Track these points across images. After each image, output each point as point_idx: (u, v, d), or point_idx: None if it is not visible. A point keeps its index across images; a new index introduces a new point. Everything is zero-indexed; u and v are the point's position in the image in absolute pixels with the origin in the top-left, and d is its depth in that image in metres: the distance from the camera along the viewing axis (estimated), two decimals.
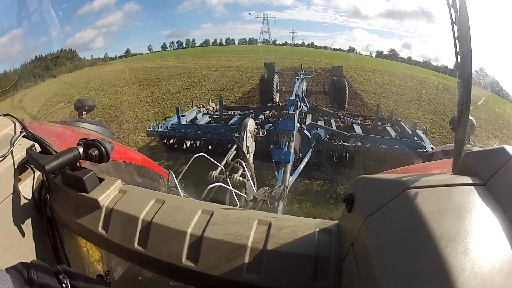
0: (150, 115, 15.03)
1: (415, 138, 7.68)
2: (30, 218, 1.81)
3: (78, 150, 1.67)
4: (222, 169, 3.24)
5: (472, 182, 1.02)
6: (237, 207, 2.37)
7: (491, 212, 0.91)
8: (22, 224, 1.77)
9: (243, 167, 3.06)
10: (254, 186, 3.04)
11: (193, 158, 2.87)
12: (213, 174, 3.29)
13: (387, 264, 0.90)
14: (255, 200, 3.20)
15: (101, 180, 1.77)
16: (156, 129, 8.71)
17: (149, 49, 34.31)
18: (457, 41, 1.18)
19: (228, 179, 2.98)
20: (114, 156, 1.95)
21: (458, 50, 1.19)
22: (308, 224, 1.43)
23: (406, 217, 0.95)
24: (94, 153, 1.69)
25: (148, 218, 1.53)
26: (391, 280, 0.86)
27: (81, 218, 1.68)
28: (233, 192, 2.62)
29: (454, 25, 1.18)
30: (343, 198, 1.27)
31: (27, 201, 1.80)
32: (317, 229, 1.39)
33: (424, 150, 7.31)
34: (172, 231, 1.46)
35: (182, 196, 2.29)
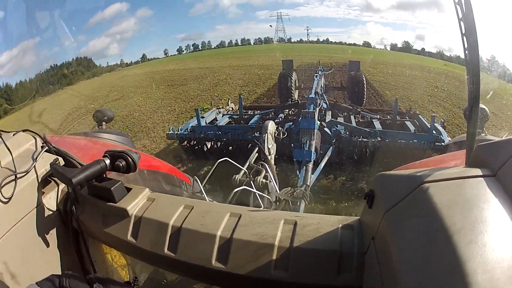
0: (188, 107, 16.50)
1: (434, 132, 7.62)
2: (55, 230, 1.86)
3: (105, 162, 1.71)
4: (245, 172, 3.28)
5: (482, 174, 1.05)
6: (262, 208, 2.43)
7: (500, 202, 0.94)
8: (47, 236, 1.82)
9: (266, 169, 3.11)
10: (277, 187, 3.09)
11: (217, 163, 2.90)
12: (236, 177, 3.33)
13: (405, 255, 0.94)
14: (279, 200, 3.26)
15: (128, 189, 1.80)
16: (176, 132, 8.68)
17: (165, 53, 34.40)
18: (464, 37, 1.21)
19: (251, 182, 2.98)
20: (139, 165, 1.93)
21: (465, 46, 1.22)
22: (331, 221, 1.47)
23: (422, 210, 1.00)
24: (121, 164, 1.72)
25: (177, 223, 1.57)
26: (409, 270, 0.90)
27: (109, 228, 1.72)
28: (257, 194, 2.63)
29: (461, 22, 1.21)
30: (364, 195, 1.31)
31: (51, 213, 1.86)
32: (340, 225, 1.44)
33: (442, 144, 7.26)
34: (202, 235, 1.50)
35: (208, 201, 2.32)
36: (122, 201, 1.71)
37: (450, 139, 7.56)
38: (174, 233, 1.56)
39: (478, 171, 1.07)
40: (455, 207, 0.94)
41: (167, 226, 1.58)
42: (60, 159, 1.94)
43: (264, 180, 3.16)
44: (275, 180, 3.15)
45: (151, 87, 21.50)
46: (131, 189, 1.81)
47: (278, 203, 3.07)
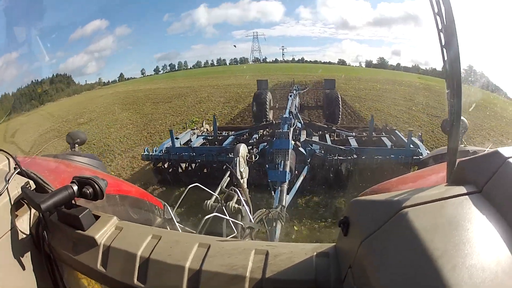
0: (178, 120, 17.85)
1: (411, 146, 7.69)
2: (30, 253, 1.80)
3: (73, 188, 1.67)
4: (216, 197, 3.20)
5: (466, 191, 1.00)
6: (233, 237, 2.42)
7: (488, 219, 0.90)
8: (22, 259, 1.76)
9: (238, 194, 3.01)
10: (251, 211, 2.99)
11: (187, 189, 2.81)
12: (208, 203, 3.23)
13: (386, 284, 0.89)
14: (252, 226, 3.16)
15: (96, 217, 1.77)
16: (150, 153, 8.61)
17: (142, 73, 34.86)
18: (444, 49, 1.16)
19: (223, 207, 2.92)
20: (109, 190, 1.93)
21: (445, 58, 1.16)
22: (305, 249, 1.41)
23: (401, 237, 0.94)
24: (88, 191, 1.69)
25: (145, 254, 1.52)
26: None
27: (79, 255, 1.68)
28: (229, 221, 2.59)
29: (441, 33, 1.16)
30: (338, 222, 1.25)
31: (25, 236, 1.80)
32: (315, 253, 1.37)
33: (420, 157, 7.31)
34: (170, 266, 1.45)
35: (179, 228, 2.34)
36: (91, 229, 1.69)
37: (428, 152, 7.63)
38: (143, 264, 1.51)
39: (461, 189, 1.02)
40: (437, 230, 0.89)
41: (135, 256, 1.54)
42: (32, 182, 1.88)
43: (236, 205, 3.06)
44: (248, 204, 3.04)
45: (137, 104, 22.97)
46: (99, 216, 1.78)
47: (252, 229, 2.95)
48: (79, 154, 3.62)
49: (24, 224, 1.82)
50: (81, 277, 2.07)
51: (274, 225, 4.41)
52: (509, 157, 1.00)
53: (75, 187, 1.68)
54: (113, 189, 2.50)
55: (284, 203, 5.54)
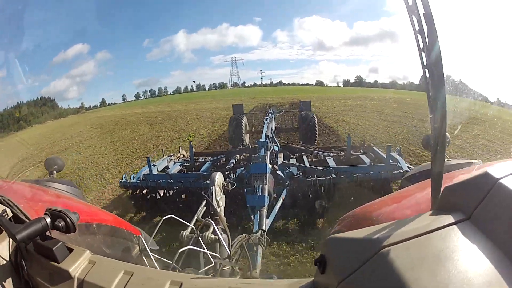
0: (175, 137, 19.74)
1: (390, 161, 7.73)
2: (11, 279, 1.80)
3: (46, 220, 1.67)
4: (192, 228, 3.09)
5: (453, 220, 0.94)
6: (211, 268, 2.33)
7: (479, 247, 0.83)
8: (4, 283, 1.76)
9: (213, 225, 2.90)
10: (229, 240, 2.88)
11: (161, 221, 2.72)
12: (184, 234, 3.11)
13: None
14: (232, 255, 3.06)
15: (70, 250, 1.77)
16: (128, 180, 8.48)
17: (123, 99, 35.02)
18: (426, 70, 1.10)
19: (200, 238, 2.85)
20: (86, 218, 2.08)
21: (428, 80, 1.09)
22: (281, 285, 1.36)
23: (383, 277, 0.87)
24: (60, 224, 1.68)
25: None
26: None
27: (56, 285, 1.66)
28: (206, 253, 2.54)
29: (423, 53, 1.09)
30: (315, 261, 1.18)
31: (5, 262, 1.80)
32: None
33: (401, 171, 7.36)
34: None
35: (153, 260, 2.26)
36: (65, 262, 1.69)
37: (408, 165, 7.74)
38: None
39: (448, 218, 0.95)
40: (423, 267, 0.82)
41: None
42: (8, 210, 1.90)
43: (212, 236, 2.94)
44: (226, 233, 2.93)
45: (131, 125, 24.90)
46: (73, 249, 1.78)
47: (232, 257, 2.84)
48: (57, 181, 3.63)
49: (4, 250, 1.81)
50: None
51: (255, 249, 4.29)
52: (499, 178, 0.93)
53: (48, 219, 1.68)
54: (90, 218, 2.51)
55: (264, 227, 5.39)
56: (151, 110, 30.84)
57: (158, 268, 2.25)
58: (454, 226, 0.91)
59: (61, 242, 1.70)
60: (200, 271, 2.18)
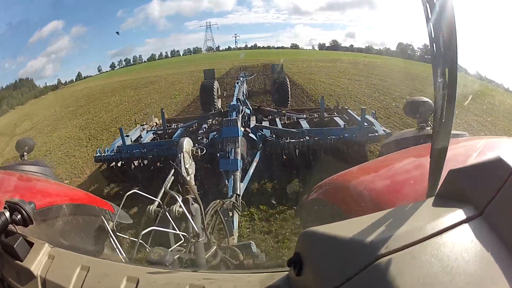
0: (164, 95, 20.86)
1: (365, 124, 7.68)
2: None
3: (5, 215, 1.58)
4: (159, 202, 2.98)
5: (465, 217, 0.78)
6: (181, 245, 2.34)
7: (493, 253, 0.70)
8: None
9: (178, 198, 2.77)
10: (201, 208, 2.78)
11: (125, 197, 2.57)
12: (151, 209, 2.99)
13: None
14: (206, 228, 2.96)
15: (31, 244, 1.69)
16: (103, 154, 8.30)
17: (99, 70, 33.84)
18: (431, 23, 0.92)
19: (167, 213, 2.74)
20: (54, 200, 2.02)
21: (432, 34, 0.92)
22: (251, 282, 1.20)
23: None
24: (17, 218, 1.60)
25: None
26: None
27: (24, 286, 1.60)
28: (175, 227, 2.50)
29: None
30: (288, 261, 1.01)
31: None
32: None
33: (376, 134, 7.38)
34: None
35: (117, 243, 2.24)
36: (27, 260, 1.62)
37: (384, 129, 7.67)
38: None
39: (458, 214, 0.80)
40: (434, 282, 0.68)
41: None
42: None
43: (180, 210, 2.79)
44: (197, 202, 2.82)
45: (117, 91, 24.53)
46: (33, 243, 1.71)
47: (207, 227, 2.76)
48: (28, 162, 3.61)
49: None
50: None
51: (230, 215, 4.31)
52: None
53: (7, 214, 1.58)
54: (59, 199, 2.43)
55: (238, 192, 5.44)
56: (131, 77, 30.57)
57: (121, 252, 2.22)
58: (466, 225, 0.77)
59: (20, 238, 1.63)
60: (170, 249, 2.07)
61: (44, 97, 26.02)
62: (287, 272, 1.15)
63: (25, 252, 1.63)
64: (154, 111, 12.11)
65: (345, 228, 0.90)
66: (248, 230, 5.83)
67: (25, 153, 4.18)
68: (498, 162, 0.81)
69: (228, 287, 1.20)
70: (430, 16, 0.94)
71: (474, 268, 0.68)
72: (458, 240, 0.74)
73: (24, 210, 1.60)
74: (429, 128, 3.35)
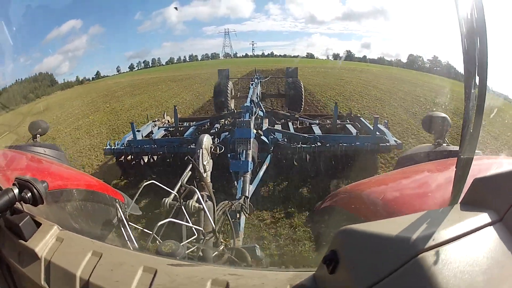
0: (196, 87, 23.87)
1: (377, 133, 7.61)
2: None
3: (13, 191, 1.53)
4: (175, 195, 2.91)
5: (490, 220, 0.82)
6: (194, 240, 2.31)
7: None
8: None
9: (197, 193, 2.73)
10: (214, 206, 2.74)
11: (142, 186, 2.58)
12: (166, 201, 2.94)
13: None
14: (217, 226, 2.94)
15: (38, 224, 1.64)
16: (112, 147, 8.31)
17: (118, 70, 34.28)
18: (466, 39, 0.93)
19: (183, 207, 2.67)
20: (65, 183, 1.98)
21: (465, 46, 0.93)
22: (278, 280, 1.15)
23: None
24: (27, 196, 1.55)
25: (85, 276, 1.36)
26: None
27: (25, 268, 1.56)
28: (186, 226, 2.45)
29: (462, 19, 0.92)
30: (324, 258, 0.98)
31: None
32: (288, 287, 1.11)
33: (387, 144, 7.29)
34: None
35: (130, 234, 2.20)
36: (32, 240, 1.57)
37: (395, 139, 7.57)
38: (83, 287, 1.34)
39: (483, 217, 0.83)
40: (465, 278, 0.72)
41: (75, 277, 1.37)
42: None
43: (196, 204, 2.77)
44: (212, 200, 2.78)
45: (152, 85, 27.18)
46: (41, 224, 1.65)
47: (216, 230, 2.72)
48: (40, 144, 3.54)
49: None
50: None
51: (238, 216, 4.29)
52: None
53: (16, 190, 1.54)
54: (70, 183, 2.41)
55: (247, 194, 5.39)
56: (159, 76, 32.32)
57: (134, 241, 2.17)
58: (491, 228, 0.80)
59: (28, 217, 1.59)
60: (182, 243, 2.02)
61: (71, 90, 27.14)
62: (313, 272, 1.13)
63: (31, 232, 1.59)
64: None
65: (382, 227, 0.92)
66: (250, 230, 5.78)
67: (38, 135, 4.14)
68: None
69: (254, 284, 1.14)
70: (464, 29, 0.93)
71: (498, 266, 0.73)
72: (484, 241, 0.79)
73: (35, 188, 1.56)
74: (445, 144, 3.31)
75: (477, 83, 0.92)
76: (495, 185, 0.88)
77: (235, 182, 5.99)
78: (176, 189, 3.02)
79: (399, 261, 0.78)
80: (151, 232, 2.10)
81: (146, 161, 8.53)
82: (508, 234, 0.79)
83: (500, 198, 0.85)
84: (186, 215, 2.53)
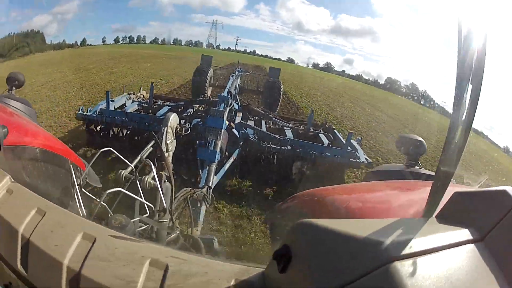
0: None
1: (349, 148, 7.65)
2: None
3: None
4: (132, 168, 2.88)
5: (471, 238, 0.78)
6: (140, 225, 2.23)
7: (495, 278, 0.70)
8: None
9: (153, 169, 2.66)
10: (172, 189, 2.66)
11: (98, 153, 2.55)
12: (122, 173, 2.87)
13: None
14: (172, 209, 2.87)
15: None
16: (85, 113, 8.12)
17: (103, 41, 33.79)
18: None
19: (138, 181, 2.62)
20: (29, 140, 1.96)
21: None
22: (223, 271, 1.08)
23: None
24: None
25: (27, 233, 1.29)
26: None
27: None
28: (139, 201, 2.35)
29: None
30: (274, 253, 0.91)
31: None
32: (233, 282, 1.04)
33: (357, 161, 7.35)
34: (49, 259, 1.17)
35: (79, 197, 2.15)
36: None
37: (366, 157, 7.67)
38: (24, 245, 1.28)
39: (464, 234, 0.80)
40: None
41: (17, 234, 1.31)
42: None
43: (152, 182, 2.68)
44: (170, 182, 2.70)
45: (146, 58, 27.89)
46: None
47: (174, 211, 2.65)
48: (13, 97, 3.40)
49: None
50: None
51: (199, 205, 4.29)
52: None
53: None
54: (35, 141, 2.32)
55: (210, 184, 5.37)
56: (147, 51, 32.70)
57: (82, 207, 2.13)
58: (472, 245, 0.78)
59: None
60: (132, 220, 1.95)
61: (63, 51, 26.59)
62: (263, 270, 1.07)
63: None
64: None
65: (348, 226, 0.85)
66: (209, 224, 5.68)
67: (14, 88, 3.91)
68: (503, 193, 0.84)
69: (197, 272, 1.06)
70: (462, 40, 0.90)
71: (478, 286, 0.71)
72: (464, 258, 0.76)
73: None
74: (417, 167, 3.33)
75: (470, 92, 0.88)
76: (478, 202, 0.87)
77: (200, 170, 5.96)
78: (134, 162, 2.97)
79: (369, 265, 0.72)
80: (98, 200, 2.06)
81: (114, 132, 8.40)
82: (490, 254, 0.76)
83: (483, 216, 0.83)
84: (140, 190, 2.47)
